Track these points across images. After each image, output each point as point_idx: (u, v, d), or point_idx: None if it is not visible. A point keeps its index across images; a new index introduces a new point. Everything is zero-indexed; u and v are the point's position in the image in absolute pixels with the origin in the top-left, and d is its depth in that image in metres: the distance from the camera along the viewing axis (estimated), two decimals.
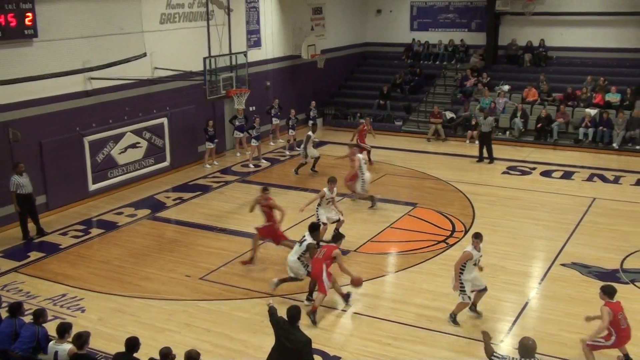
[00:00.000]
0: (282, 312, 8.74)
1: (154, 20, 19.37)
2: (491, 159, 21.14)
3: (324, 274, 11.38)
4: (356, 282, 11.80)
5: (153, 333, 10.83)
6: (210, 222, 16.21)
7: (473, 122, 23.91)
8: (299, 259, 11.95)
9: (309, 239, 11.98)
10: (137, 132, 19.12)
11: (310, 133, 20.13)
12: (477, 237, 11.15)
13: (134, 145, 19.02)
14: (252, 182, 19.66)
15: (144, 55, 18.30)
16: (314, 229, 12.26)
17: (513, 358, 7.53)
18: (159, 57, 19.35)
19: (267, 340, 10.55)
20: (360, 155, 17.07)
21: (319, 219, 14.25)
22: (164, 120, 19.95)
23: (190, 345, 9.14)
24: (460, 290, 11.01)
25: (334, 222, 14.58)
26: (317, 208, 14.51)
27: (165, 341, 10.03)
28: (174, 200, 18.06)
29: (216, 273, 13.25)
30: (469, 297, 11.07)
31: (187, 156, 20.98)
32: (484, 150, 21.31)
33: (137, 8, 18.45)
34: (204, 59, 18.34)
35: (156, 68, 19.42)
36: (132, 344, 8.40)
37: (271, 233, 13.56)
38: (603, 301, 9.77)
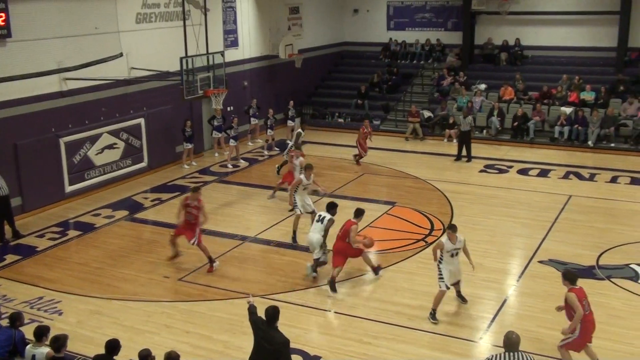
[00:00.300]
0: (261, 312, 8.73)
1: (130, 20, 19.23)
2: (469, 158, 21.28)
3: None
4: (368, 245, 12.56)
5: (132, 335, 10.75)
6: None
7: (451, 121, 24.05)
8: (322, 236, 12.51)
9: (329, 215, 12.54)
10: (114, 133, 18.97)
11: (300, 130, 20.05)
12: (450, 228, 11.39)
13: (111, 146, 18.87)
14: (231, 183, 19.63)
15: (120, 55, 18.18)
16: (333, 206, 12.75)
17: (498, 354, 7.56)
18: (135, 57, 19.22)
19: (247, 341, 10.51)
20: (299, 160, 16.64)
21: (295, 206, 14.57)
22: (141, 121, 19.82)
23: (170, 347, 9.10)
24: (439, 278, 11.20)
25: (309, 213, 14.73)
26: (294, 195, 14.73)
27: (145, 343, 9.94)
28: (152, 201, 17.95)
29: (195, 274, 13.19)
30: (446, 286, 11.19)
31: (165, 157, 20.86)
32: (463, 149, 21.44)
33: (113, 8, 18.30)
34: (181, 59, 18.26)
35: (133, 68, 19.29)
36: (112, 346, 8.32)
37: (189, 231, 13.23)
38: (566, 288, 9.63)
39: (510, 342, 7.57)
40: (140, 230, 15.93)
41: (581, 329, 9.41)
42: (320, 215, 12.84)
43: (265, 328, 8.21)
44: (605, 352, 10.10)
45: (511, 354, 7.46)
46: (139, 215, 16.83)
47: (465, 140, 21.50)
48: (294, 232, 14.83)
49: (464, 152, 21.43)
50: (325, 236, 12.61)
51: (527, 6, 26.92)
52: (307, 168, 14.98)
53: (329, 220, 12.63)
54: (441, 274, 11.18)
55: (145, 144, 20.02)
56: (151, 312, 11.64)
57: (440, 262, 11.21)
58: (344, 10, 30.92)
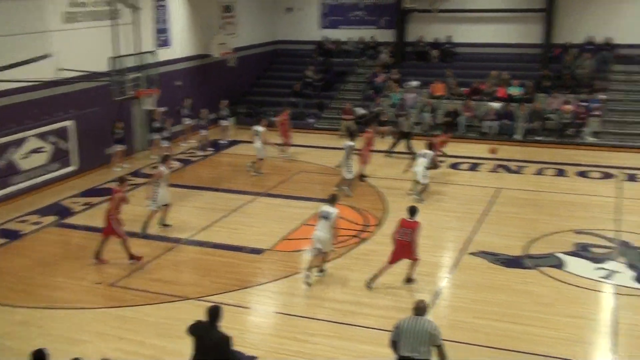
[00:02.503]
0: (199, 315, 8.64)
1: (57, 20, 18.70)
2: (414, 155, 21.46)
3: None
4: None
5: (63, 344, 10.44)
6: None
7: (384, 119, 24.31)
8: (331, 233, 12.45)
9: (334, 210, 12.38)
10: (41, 136, 18.40)
11: (259, 127, 19.91)
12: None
13: (37, 150, 18.31)
14: None
15: (47, 55, 17.63)
16: (334, 200, 12.67)
17: (405, 317, 8.34)
18: (63, 58, 18.66)
19: (183, 344, 10.37)
20: (162, 168, 15.94)
21: (154, 200, 15.06)
22: (70, 123, 19.28)
23: (103, 355, 8.91)
24: None
25: (165, 205, 15.29)
26: (156, 189, 15.02)
27: (77, 352, 9.69)
28: (82, 205, 17.52)
29: (128, 279, 12.94)
30: None
31: (95, 159, 20.38)
32: (395, 147, 21.75)
33: (38, 7, 17.77)
34: (111, 59, 17.88)
35: (60, 69, 18.75)
36: (38, 357, 8.07)
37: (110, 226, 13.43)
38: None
39: (417, 307, 8.40)
40: (69, 236, 15.52)
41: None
42: (324, 211, 12.51)
43: (206, 327, 8.07)
44: (535, 338, 10.44)
45: (415, 318, 8.29)
46: (68, 221, 16.40)
47: (406, 139, 21.79)
48: (146, 224, 15.15)
49: (394, 149, 21.77)
50: (333, 233, 12.48)
51: (457, 4, 27.47)
52: (166, 159, 15.34)
53: (336, 216, 12.43)
54: None
55: (74, 147, 19.49)
56: (83, 320, 11.35)
57: None
58: (278, 9, 30.87)
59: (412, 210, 12.21)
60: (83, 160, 19.75)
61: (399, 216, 15.85)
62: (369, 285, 12.19)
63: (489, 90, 25.10)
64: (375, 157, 21.53)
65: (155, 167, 20.35)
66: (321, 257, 12.75)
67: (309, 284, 12.38)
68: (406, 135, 21.81)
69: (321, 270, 12.82)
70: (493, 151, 19.20)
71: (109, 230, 13.53)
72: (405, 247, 12.02)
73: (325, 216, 12.44)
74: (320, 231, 12.45)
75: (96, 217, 16.49)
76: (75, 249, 14.67)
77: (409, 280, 12.37)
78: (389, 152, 21.72)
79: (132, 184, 19.10)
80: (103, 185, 19.10)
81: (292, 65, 30.17)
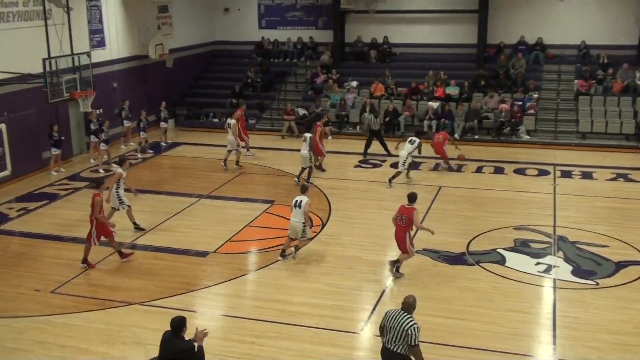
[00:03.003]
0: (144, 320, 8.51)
1: None
2: (388, 153, 21.72)
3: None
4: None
5: (2, 354, 10.15)
6: (59, 232, 15.41)
7: (325, 120, 24.35)
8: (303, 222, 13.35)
9: (305, 198, 13.42)
10: None
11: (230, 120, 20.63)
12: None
13: None
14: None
15: None
16: (305, 189, 13.85)
17: (392, 309, 8.46)
18: None
19: (127, 351, 10.29)
20: (120, 170, 15.48)
21: (120, 200, 14.95)
22: (2, 127, 18.60)
23: None
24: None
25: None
26: (117, 191, 14.91)
27: None
28: (18, 211, 16.98)
29: (69, 285, 12.62)
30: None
31: (30, 164, 19.79)
32: (368, 146, 22.07)
33: None
34: (44, 60, 17.40)
35: None
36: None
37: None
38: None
39: (405, 302, 8.42)
40: (5, 243, 15.02)
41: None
42: (296, 200, 13.37)
43: (169, 338, 7.94)
44: (478, 333, 10.67)
45: (400, 311, 8.33)
46: (3, 227, 15.87)
47: (377, 137, 22.00)
48: (135, 223, 15.23)
49: (366, 149, 22.05)
50: (305, 220, 13.28)
51: (393, 4, 27.83)
52: (124, 160, 15.30)
53: (307, 203, 13.28)
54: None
55: (7, 151, 18.85)
56: (22, 329, 11.01)
57: None
58: (215, 9, 30.61)
59: (411, 197, 12.74)
60: (17, 165, 19.14)
61: (342, 215, 16.14)
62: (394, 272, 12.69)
63: (427, 90, 25.52)
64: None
65: (101, 171, 20.09)
66: (295, 243, 13.60)
67: (293, 257, 13.48)
68: (376, 134, 22.04)
69: (283, 255, 13.59)
70: (460, 158, 20.09)
71: (102, 232, 13.31)
72: (400, 231, 12.58)
73: (298, 205, 13.31)
74: (294, 218, 13.33)
75: (33, 223, 16.10)
76: (12, 255, 14.22)
77: (395, 262, 12.80)
78: (364, 154, 21.88)
79: (70, 188, 18.73)
80: (39, 190, 18.57)
81: (231, 65, 30.00)
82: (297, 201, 13.41)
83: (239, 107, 22.78)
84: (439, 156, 20.28)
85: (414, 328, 8.09)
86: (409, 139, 18.99)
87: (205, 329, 8.16)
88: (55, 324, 11.15)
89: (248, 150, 21.81)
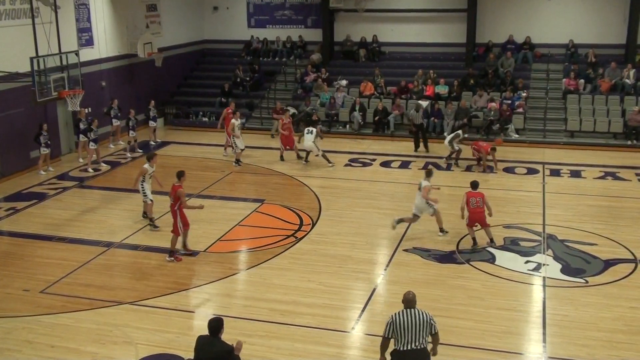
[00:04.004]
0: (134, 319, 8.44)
1: None
2: (427, 148, 22.16)
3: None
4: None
5: None
6: (48, 231, 15.32)
7: (314, 118, 24.42)
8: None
9: (426, 182, 14.55)
10: None
11: (236, 121, 20.62)
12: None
13: None
14: (93, 187, 18.87)
15: None
16: (429, 174, 14.95)
17: (399, 311, 8.25)
18: None
19: (117, 350, 10.27)
20: (146, 166, 15.57)
21: (145, 195, 15.31)
22: None
23: None
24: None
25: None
26: (142, 184, 15.31)
27: None
28: (6, 210, 16.87)
29: (58, 285, 12.55)
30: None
31: (18, 163, 19.67)
32: (418, 141, 22.38)
33: None
34: (31, 59, 17.28)
35: None
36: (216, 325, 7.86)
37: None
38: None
39: (408, 300, 8.34)
40: None
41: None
42: (420, 183, 14.74)
43: (209, 340, 7.89)
44: (468, 331, 10.70)
45: (409, 310, 8.24)
46: None
47: (420, 132, 22.22)
48: (151, 220, 15.36)
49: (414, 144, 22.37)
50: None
51: (382, 4, 27.85)
52: (153, 156, 15.48)
53: (425, 187, 14.49)
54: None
55: None
56: (10, 329, 10.95)
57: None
58: (204, 8, 30.54)
59: (474, 184, 14.39)
60: (4, 164, 19.04)
61: (332, 214, 16.14)
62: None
63: (417, 89, 25.56)
64: (308, 157, 21.66)
65: (90, 170, 19.97)
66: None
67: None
68: (420, 127, 22.21)
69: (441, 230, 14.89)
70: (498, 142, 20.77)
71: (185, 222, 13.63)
72: (478, 213, 14.02)
73: (419, 187, 14.61)
74: (417, 199, 14.63)
75: (21, 222, 16.00)
76: (0, 255, 14.12)
77: (490, 240, 14.19)
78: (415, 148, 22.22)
79: (59, 187, 18.63)
80: (28, 190, 18.46)
81: (220, 64, 29.94)
82: (419, 184, 14.71)
83: (228, 107, 22.69)
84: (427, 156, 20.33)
85: (433, 317, 8.35)
86: (307, 129, 20.52)
87: (242, 341, 8.26)
88: (45, 324, 11.10)
89: (225, 150, 21.77)
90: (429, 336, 8.32)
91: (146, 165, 15.29)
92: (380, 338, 8.49)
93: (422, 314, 8.25)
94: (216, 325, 7.94)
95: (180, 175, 13.59)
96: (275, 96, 26.93)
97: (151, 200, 15.39)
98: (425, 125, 22.93)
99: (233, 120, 20.59)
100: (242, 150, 20.63)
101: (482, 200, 14.06)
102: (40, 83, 17.56)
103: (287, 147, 21.17)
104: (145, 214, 15.75)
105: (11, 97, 19.12)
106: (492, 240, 14.13)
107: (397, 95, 25.36)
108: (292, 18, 29.83)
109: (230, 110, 21.76)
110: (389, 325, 8.22)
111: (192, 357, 8.07)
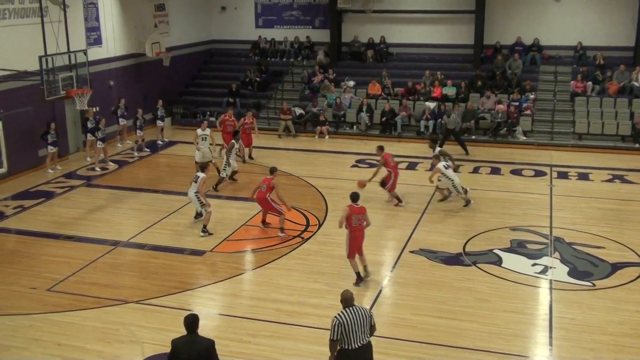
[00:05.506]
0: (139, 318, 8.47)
1: None
2: (466, 152, 21.95)
3: None
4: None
5: None
6: (55, 230, 15.37)
7: (321, 118, 24.43)
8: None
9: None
10: None
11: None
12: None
13: None
14: (100, 186, 18.91)
15: None
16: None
17: (341, 312, 8.28)
18: None
19: (123, 349, 10.28)
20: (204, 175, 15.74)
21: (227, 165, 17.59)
22: None
23: None
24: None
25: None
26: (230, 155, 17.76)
27: (12, 359, 9.40)
28: (14, 208, 16.95)
29: (64, 283, 12.59)
30: None
31: (26, 161, 19.74)
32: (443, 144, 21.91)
33: None
34: (40, 57, 17.34)
35: None
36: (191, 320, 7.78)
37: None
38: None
39: (345, 298, 8.42)
40: (1, 241, 14.97)
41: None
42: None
43: (187, 339, 7.76)
44: (474, 333, 10.67)
45: (351, 308, 8.31)
46: None
47: (454, 136, 22.05)
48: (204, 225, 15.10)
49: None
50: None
51: (390, 4, 27.81)
52: (206, 166, 15.91)
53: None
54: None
55: (3, 149, 18.78)
56: (17, 327, 10.98)
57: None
58: (212, 8, 30.58)
59: (354, 197, 12.82)
60: (12, 163, 19.09)
61: (339, 215, 16.04)
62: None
63: (424, 90, 25.52)
64: (314, 158, 21.71)
65: (97, 169, 20.02)
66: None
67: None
68: (452, 132, 22.07)
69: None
70: (361, 185, 16.59)
71: (269, 208, 15.05)
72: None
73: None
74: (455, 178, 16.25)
75: (29, 220, 16.06)
76: (8, 253, 14.19)
77: None
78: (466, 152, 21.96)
79: (67, 186, 18.69)
80: (36, 188, 18.53)
81: (228, 64, 29.97)
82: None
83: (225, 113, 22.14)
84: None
85: (368, 309, 8.59)
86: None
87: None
88: (51, 322, 11.13)
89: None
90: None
91: (204, 175, 15.22)
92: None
93: (361, 309, 8.37)
94: (193, 320, 7.81)
95: (273, 170, 15.21)
96: (283, 96, 26.95)
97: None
98: (457, 129, 22.53)
99: (198, 130, 19.46)
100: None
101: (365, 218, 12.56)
102: (48, 82, 17.62)
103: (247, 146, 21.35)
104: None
105: (20, 96, 19.19)
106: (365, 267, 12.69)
107: (404, 97, 25.32)
108: (299, 18, 29.84)
109: (226, 117, 21.51)
110: (337, 327, 8.15)
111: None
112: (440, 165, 16.63)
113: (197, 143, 19.04)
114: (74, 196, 17.93)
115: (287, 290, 12.26)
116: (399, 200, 17.01)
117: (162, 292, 12.14)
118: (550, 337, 10.66)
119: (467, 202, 16.69)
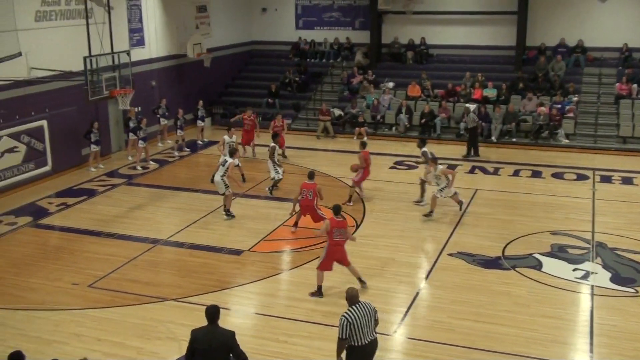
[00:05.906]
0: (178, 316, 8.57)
1: (29, 18, 18.45)
2: (477, 153, 21.80)
3: None
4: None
5: (39, 346, 10.34)
6: (97, 227, 15.65)
7: (360, 120, 24.39)
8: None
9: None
10: (15, 136, 18.17)
11: (274, 145, 18.64)
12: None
13: (11, 150, 18.06)
14: (141, 185, 19.19)
15: (19, 54, 17.39)
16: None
17: (348, 310, 8.42)
18: (35, 57, 18.42)
19: (162, 346, 10.41)
20: (232, 160, 16.09)
21: (226, 185, 15.96)
22: (44, 123, 19.06)
23: (80, 356, 8.79)
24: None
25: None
26: (222, 177, 16.00)
27: (54, 353, 9.63)
28: (58, 205, 17.31)
29: (105, 280, 12.81)
30: None
31: (70, 160, 20.16)
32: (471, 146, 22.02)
33: (9, 5, 17.48)
34: (85, 58, 17.68)
35: (33, 68, 18.49)
36: (15, 358, 7.94)
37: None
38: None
39: (351, 297, 8.56)
40: (45, 237, 15.32)
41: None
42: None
43: (208, 329, 7.86)
44: (512, 338, 10.54)
45: (357, 305, 8.47)
46: (43, 221, 16.19)
47: (471, 136, 21.94)
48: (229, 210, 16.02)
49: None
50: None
51: (431, 6, 27.63)
52: (235, 152, 16.64)
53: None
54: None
55: (48, 147, 19.28)
56: (59, 321, 11.22)
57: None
58: (253, 9, 30.80)
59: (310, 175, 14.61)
60: (57, 161, 19.53)
61: (377, 216, 16.08)
62: None
63: (464, 92, 25.30)
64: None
65: (138, 168, 20.32)
66: None
67: None
68: (471, 132, 21.97)
69: None
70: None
71: (314, 215, 14.87)
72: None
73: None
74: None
75: (72, 217, 16.39)
76: (51, 250, 14.50)
77: None
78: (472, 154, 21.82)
79: (109, 184, 19.02)
80: (79, 186, 18.90)
81: (268, 65, 30.15)
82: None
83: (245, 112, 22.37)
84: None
85: (371, 303, 8.70)
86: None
87: None
88: (92, 318, 11.33)
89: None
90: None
91: (232, 160, 16.02)
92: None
93: (366, 305, 8.50)
94: (214, 311, 7.90)
95: (312, 175, 15.09)
96: (322, 97, 26.99)
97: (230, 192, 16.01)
98: (478, 129, 22.42)
99: (225, 137, 19.42)
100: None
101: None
102: (92, 82, 17.95)
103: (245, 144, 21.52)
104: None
105: (64, 96, 19.61)
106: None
107: (444, 98, 25.14)
108: (340, 20, 29.87)
109: (245, 116, 21.79)
110: (346, 326, 8.28)
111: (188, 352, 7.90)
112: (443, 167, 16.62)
113: (223, 149, 18.73)
114: (116, 194, 18.24)
115: (324, 291, 12.25)
116: (350, 199, 17.06)
117: (200, 290, 12.26)
118: (591, 344, 10.47)
119: (431, 212, 16.05)
